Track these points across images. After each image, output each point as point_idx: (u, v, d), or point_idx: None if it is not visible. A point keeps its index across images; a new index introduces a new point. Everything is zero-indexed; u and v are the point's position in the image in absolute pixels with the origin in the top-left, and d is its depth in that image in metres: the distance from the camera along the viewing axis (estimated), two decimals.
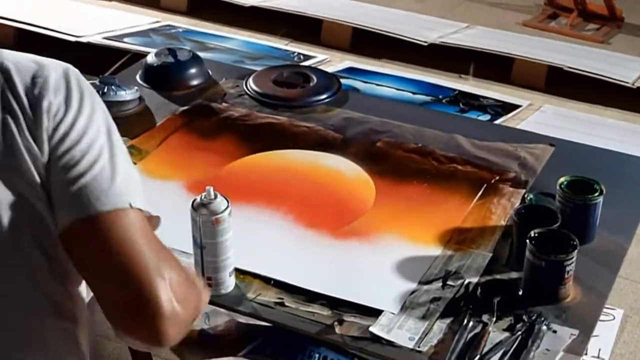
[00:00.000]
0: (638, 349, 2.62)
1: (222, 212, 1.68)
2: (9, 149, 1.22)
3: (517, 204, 2.02)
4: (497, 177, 2.12)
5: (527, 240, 1.72)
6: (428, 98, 3.86)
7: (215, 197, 1.69)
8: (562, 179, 1.92)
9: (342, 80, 2.63)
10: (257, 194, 2.06)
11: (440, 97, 3.88)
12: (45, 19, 4.31)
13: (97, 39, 4.27)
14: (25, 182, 1.23)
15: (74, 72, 1.32)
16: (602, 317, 2.61)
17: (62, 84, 1.28)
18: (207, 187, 1.69)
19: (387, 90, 3.92)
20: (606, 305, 2.64)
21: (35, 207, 1.24)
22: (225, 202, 1.70)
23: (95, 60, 4.07)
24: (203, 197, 1.69)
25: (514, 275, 1.80)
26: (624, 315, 2.72)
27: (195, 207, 1.69)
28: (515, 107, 3.85)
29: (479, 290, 1.75)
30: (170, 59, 2.55)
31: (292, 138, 2.29)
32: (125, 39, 4.27)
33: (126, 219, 1.24)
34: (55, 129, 1.24)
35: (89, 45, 4.25)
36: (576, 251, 1.71)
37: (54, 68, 1.29)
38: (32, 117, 1.24)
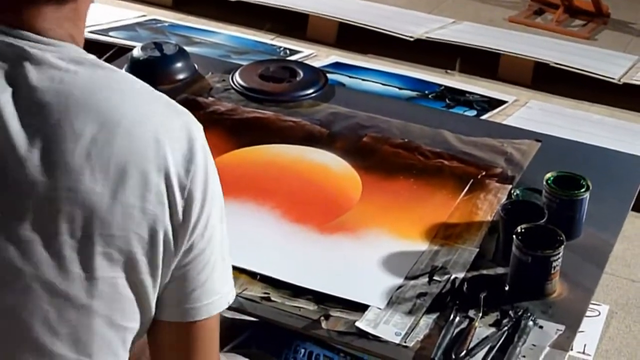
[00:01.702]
0: (623, 344, 2.63)
1: None
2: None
3: (503, 199, 2.02)
4: (484, 173, 2.12)
5: (514, 236, 1.72)
6: (414, 93, 3.86)
7: None
8: (548, 175, 1.92)
9: (328, 75, 2.62)
10: (243, 189, 2.05)
11: (427, 92, 3.88)
12: None
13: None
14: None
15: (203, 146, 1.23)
16: (587, 313, 2.61)
17: (203, 173, 1.21)
18: None
19: (373, 85, 3.92)
20: (592, 301, 2.66)
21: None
22: None
23: None
24: None
25: (500, 270, 1.80)
26: (609, 311, 2.73)
27: None
28: (502, 102, 3.85)
29: (466, 286, 1.75)
30: (157, 53, 2.54)
31: (278, 133, 2.29)
32: (111, 33, 4.25)
33: (215, 321, 1.28)
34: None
35: None
36: (563, 247, 1.71)
37: (201, 147, 1.20)
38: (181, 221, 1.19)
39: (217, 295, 1.26)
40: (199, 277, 1.23)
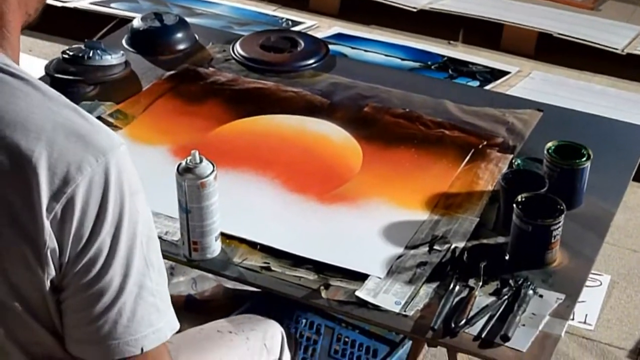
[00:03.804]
0: (625, 314, 2.63)
1: (207, 176, 1.67)
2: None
3: (504, 169, 2.01)
4: (485, 142, 2.12)
5: (514, 205, 1.71)
6: (417, 64, 3.84)
7: (201, 161, 1.68)
8: (549, 144, 1.91)
9: (331, 46, 2.61)
10: (244, 159, 2.05)
11: (429, 63, 3.86)
12: None
13: (84, 4, 4.23)
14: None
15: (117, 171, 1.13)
16: (589, 283, 2.63)
17: (94, 200, 1.11)
18: (193, 151, 1.68)
19: (375, 56, 3.90)
20: (593, 271, 2.66)
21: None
22: (211, 166, 1.69)
23: (82, 25, 4.04)
24: (188, 161, 1.68)
25: (500, 240, 1.80)
26: (611, 281, 2.73)
27: (181, 172, 1.68)
28: (505, 73, 3.83)
29: (466, 255, 1.75)
30: (157, 24, 2.53)
31: (279, 103, 2.28)
32: (113, 4, 4.23)
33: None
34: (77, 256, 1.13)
35: (75, 11, 4.21)
36: (563, 216, 1.71)
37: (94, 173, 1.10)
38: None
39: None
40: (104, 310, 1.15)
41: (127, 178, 1.13)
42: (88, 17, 4.16)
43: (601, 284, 2.70)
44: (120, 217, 1.12)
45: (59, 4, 4.19)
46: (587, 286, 2.59)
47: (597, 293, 2.66)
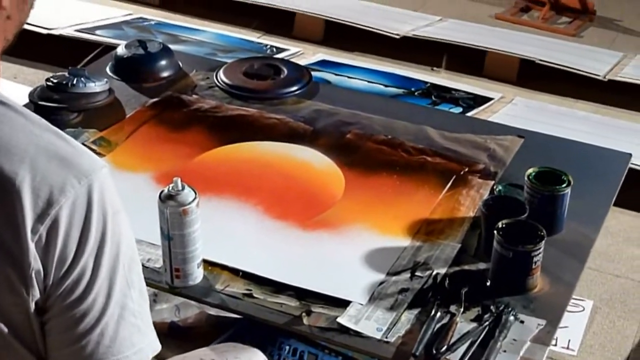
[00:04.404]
0: (607, 340, 2.63)
1: (189, 203, 1.67)
2: None
3: (486, 195, 2.02)
4: (466, 169, 2.13)
5: (495, 231, 1.72)
6: (400, 91, 3.86)
7: (183, 188, 1.68)
8: (530, 170, 1.93)
9: (315, 73, 2.62)
10: (226, 186, 2.05)
11: (412, 89, 3.88)
12: None
13: (69, 32, 4.24)
14: None
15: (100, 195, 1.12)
16: (571, 309, 2.63)
17: (77, 221, 1.10)
18: (175, 179, 1.69)
19: (359, 82, 3.92)
20: (576, 297, 2.67)
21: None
22: (193, 193, 1.69)
23: (67, 52, 4.05)
24: (171, 188, 1.69)
25: (482, 266, 1.81)
26: (593, 307, 2.74)
27: (163, 199, 1.68)
28: (487, 99, 3.85)
29: (447, 281, 1.76)
30: (141, 51, 2.54)
31: (262, 130, 2.29)
32: (98, 32, 4.24)
33: None
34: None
35: (61, 38, 4.21)
36: (543, 242, 1.72)
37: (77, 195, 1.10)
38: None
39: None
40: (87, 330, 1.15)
41: (110, 199, 1.13)
42: (73, 44, 4.17)
43: (584, 309, 2.70)
44: (103, 238, 1.12)
45: (44, 32, 4.19)
46: (570, 311, 2.59)
47: (579, 318, 2.66)
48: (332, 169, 2.13)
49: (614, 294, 2.82)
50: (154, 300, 2.45)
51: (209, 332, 2.40)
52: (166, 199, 1.68)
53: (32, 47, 4.01)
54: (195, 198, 1.68)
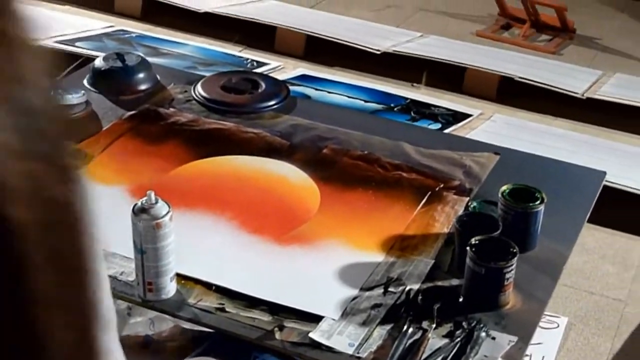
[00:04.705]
0: (581, 356, 2.64)
1: (162, 217, 1.67)
2: None
3: (460, 211, 2.03)
4: (442, 185, 2.14)
5: (468, 248, 1.73)
6: (379, 106, 3.86)
7: (156, 201, 1.68)
8: (504, 187, 1.94)
9: (295, 88, 2.63)
10: (202, 200, 2.05)
11: (392, 105, 3.89)
12: None
13: (49, 43, 4.24)
14: None
15: None
16: (546, 325, 2.64)
17: None
18: (148, 192, 1.69)
19: (339, 98, 3.93)
20: (551, 313, 2.68)
21: None
22: (167, 207, 1.69)
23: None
24: (144, 201, 1.69)
25: (455, 282, 1.82)
26: (568, 323, 2.75)
27: (136, 212, 1.68)
28: (467, 116, 3.86)
29: (420, 297, 1.76)
30: (118, 64, 2.54)
31: (239, 144, 2.29)
32: (78, 44, 4.24)
33: None
34: None
35: None
36: (516, 258, 1.73)
37: None
38: None
39: None
40: None
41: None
42: (53, 56, 4.16)
43: (558, 326, 2.71)
44: None
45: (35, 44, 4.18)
46: (544, 328, 2.61)
47: (554, 335, 2.67)
48: (308, 183, 2.13)
49: (589, 311, 2.83)
50: (128, 314, 2.44)
51: (183, 346, 2.39)
52: (139, 212, 1.68)
53: None
54: (168, 212, 1.68)
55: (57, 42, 4.25)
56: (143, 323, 2.50)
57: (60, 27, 4.49)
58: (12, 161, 0.44)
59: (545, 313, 2.63)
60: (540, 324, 2.60)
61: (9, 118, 0.44)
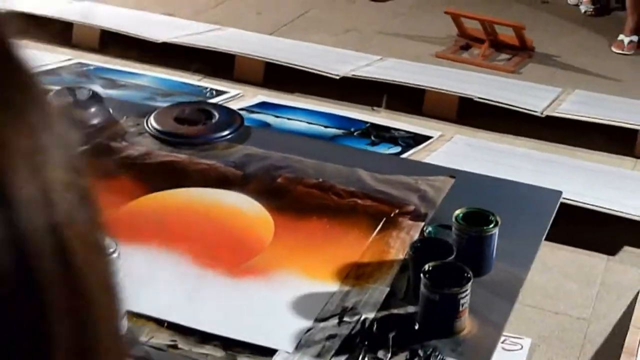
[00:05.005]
0: None
1: (109, 254, 1.64)
2: None
3: (416, 237, 2.02)
4: (397, 211, 2.12)
5: (421, 274, 1.71)
6: (340, 131, 3.86)
7: None
8: (457, 211, 1.93)
9: (254, 115, 2.62)
10: (153, 234, 2.02)
11: (352, 129, 3.89)
12: None
13: None
14: None
15: None
16: (509, 347, 2.63)
17: None
18: None
19: (299, 124, 3.92)
20: (514, 335, 2.67)
21: None
22: (113, 244, 1.66)
23: None
24: None
25: (411, 309, 1.80)
26: (532, 344, 2.74)
27: None
28: (427, 138, 3.87)
29: (375, 326, 1.74)
30: (69, 98, 2.51)
31: (191, 176, 2.27)
32: None
33: None
34: None
35: None
36: (470, 283, 1.71)
37: None
38: None
39: None
40: None
41: None
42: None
43: (522, 347, 2.70)
44: None
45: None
46: (508, 350, 2.60)
47: (517, 357, 2.66)
48: (262, 214, 2.11)
49: (553, 331, 2.82)
50: None
51: None
52: None
53: None
54: (115, 249, 1.65)
55: None
56: None
57: None
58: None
59: (509, 335, 2.62)
60: (504, 346, 2.61)
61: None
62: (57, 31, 4.94)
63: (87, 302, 0.44)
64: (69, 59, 4.65)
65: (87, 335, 0.45)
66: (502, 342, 2.63)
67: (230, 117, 2.56)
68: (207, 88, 4.35)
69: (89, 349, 0.46)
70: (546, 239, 2.12)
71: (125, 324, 1.71)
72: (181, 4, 5.67)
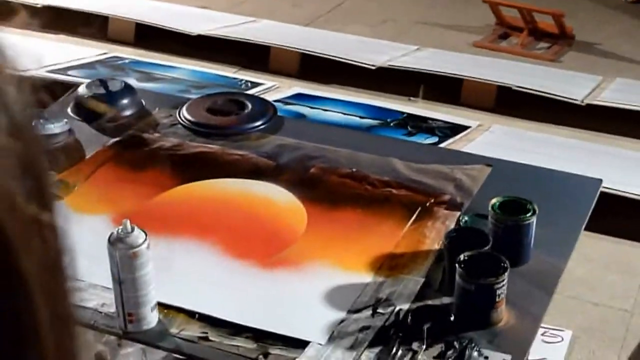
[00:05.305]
0: None
1: (139, 245, 1.62)
2: None
3: (452, 226, 1.97)
4: (432, 200, 2.08)
5: (457, 264, 1.67)
6: (376, 122, 3.82)
7: (133, 230, 1.63)
8: (494, 200, 1.88)
9: (290, 107, 2.58)
10: (185, 225, 2.00)
11: (388, 120, 3.84)
12: None
13: (41, 72, 4.20)
14: None
15: None
16: (550, 339, 2.58)
17: None
18: (124, 220, 1.64)
19: (334, 115, 3.88)
20: (554, 327, 2.62)
21: None
22: (143, 235, 1.64)
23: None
24: (120, 230, 1.64)
25: (446, 300, 1.76)
26: (572, 337, 2.68)
27: (112, 241, 1.64)
28: (464, 128, 3.81)
29: (410, 317, 1.70)
30: (102, 90, 2.50)
31: (224, 167, 2.24)
32: (70, 72, 4.20)
33: None
34: None
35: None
36: (507, 273, 1.67)
37: None
38: None
39: None
40: None
41: None
42: (45, 86, 4.12)
43: (562, 339, 2.65)
44: None
45: (15, 73, 4.15)
46: (548, 342, 2.54)
47: (558, 349, 2.61)
48: (295, 204, 2.08)
49: (593, 323, 2.76)
50: (118, 345, 2.39)
51: None
52: (115, 241, 1.63)
53: None
54: (145, 240, 1.63)
55: (49, 71, 4.22)
56: (135, 353, 2.44)
57: (53, 56, 4.46)
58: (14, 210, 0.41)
59: (549, 327, 2.57)
60: (544, 338, 2.56)
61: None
62: (93, 25, 4.94)
63: (21, 281, 0.41)
64: (105, 53, 4.65)
65: (22, 317, 0.42)
66: (542, 334, 2.58)
67: (263, 107, 2.53)
68: (242, 80, 4.32)
69: (26, 331, 0.42)
70: (587, 230, 2.07)
71: (155, 315, 1.69)
72: None
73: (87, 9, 5.02)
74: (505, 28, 5.20)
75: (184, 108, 2.49)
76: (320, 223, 2.01)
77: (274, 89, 4.23)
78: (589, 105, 4.07)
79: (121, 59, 4.57)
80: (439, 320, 1.69)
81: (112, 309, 1.73)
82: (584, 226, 2.04)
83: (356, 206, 2.07)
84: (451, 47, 4.91)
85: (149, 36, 4.91)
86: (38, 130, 0.45)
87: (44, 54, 4.54)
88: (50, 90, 3.94)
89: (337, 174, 2.20)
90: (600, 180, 2.23)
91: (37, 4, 5.10)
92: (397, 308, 1.72)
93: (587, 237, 2.19)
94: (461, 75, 4.26)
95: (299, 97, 4.08)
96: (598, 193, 2.18)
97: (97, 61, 4.47)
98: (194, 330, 1.69)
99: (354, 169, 2.21)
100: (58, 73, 4.19)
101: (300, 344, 1.64)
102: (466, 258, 1.69)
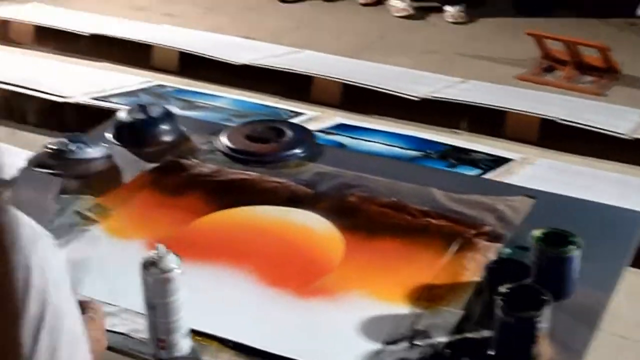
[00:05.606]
0: None
1: (172, 270, 1.60)
2: None
3: (492, 258, 1.93)
4: (472, 231, 2.04)
5: (496, 296, 1.63)
6: (418, 153, 3.77)
7: (166, 254, 1.61)
8: (536, 232, 1.84)
9: (331, 137, 2.56)
10: (221, 252, 1.98)
11: (431, 152, 3.80)
12: (35, 80, 4.28)
13: (85, 100, 4.23)
14: None
15: None
16: None
17: None
18: (157, 245, 1.62)
19: (376, 145, 3.85)
20: None
21: None
22: (177, 259, 1.62)
23: (82, 120, 4.02)
24: (153, 254, 1.62)
25: (486, 334, 1.71)
26: None
27: (145, 266, 1.61)
28: (507, 160, 3.76)
29: (448, 351, 1.66)
30: (142, 115, 2.49)
31: (262, 194, 2.22)
32: (113, 99, 4.22)
33: None
34: None
35: (76, 106, 4.20)
36: (548, 307, 1.62)
37: None
38: None
39: None
40: None
41: (50, 271, 1.06)
42: (87, 112, 4.15)
43: None
44: (42, 314, 1.04)
45: (61, 100, 4.18)
46: None
47: None
48: (332, 233, 2.04)
49: None
50: None
51: None
52: (148, 265, 1.61)
53: (47, 116, 4.02)
54: (178, 265, 1.61)
55: (92, 98, 4.24)
56: None
57: (97, 83, 4.49)
58: None
59: None
60: None
61: None
62: (137, 54, 4.98)
63: None
64: (149, 81, 4.67)
65: None
66: None
67: (302, 135, 2.51)
68: (283, 109, 4.31)
69: None
70: (634, 266, 2.01)
71: (188, 342, 1.66)
72: (259, 28, 5.66)
73: (132, 37, 5.06)
74: (550, 61, 5.15)
75: (223, 135, 2.48)
76: (358, 252, 1.97)
77: (316, 118, 4.21)
78: (636, 140, 3.99)
79: (164, 87, 4.58)
80: (477, 354, 1.65)
81: (145, 335, 1.70)
82: (629, 260, 1.99)
83: (395, 236, 2.03)
84: (495, 79, 4.87)
85: (192, 65, 4.92)
86: None
87: (88, 81, 4.57)
88: (93, 117, 3.96)
89: (376, 203, 2.16)
90: None
91: (84, 32, 5.14)
92: (435, 340, 1.68)
93: (634, 274, 2.12)
94: (505, 108, 4.21)
95: (341, 127, 4.05)
96: None
97: (140, 89, 4.48)
98: (226, 358, 1.66)
99: (393, 199, 2.18)
100: (101, 100, 4.21)
101: None
102: (506, 290, 1.64)
